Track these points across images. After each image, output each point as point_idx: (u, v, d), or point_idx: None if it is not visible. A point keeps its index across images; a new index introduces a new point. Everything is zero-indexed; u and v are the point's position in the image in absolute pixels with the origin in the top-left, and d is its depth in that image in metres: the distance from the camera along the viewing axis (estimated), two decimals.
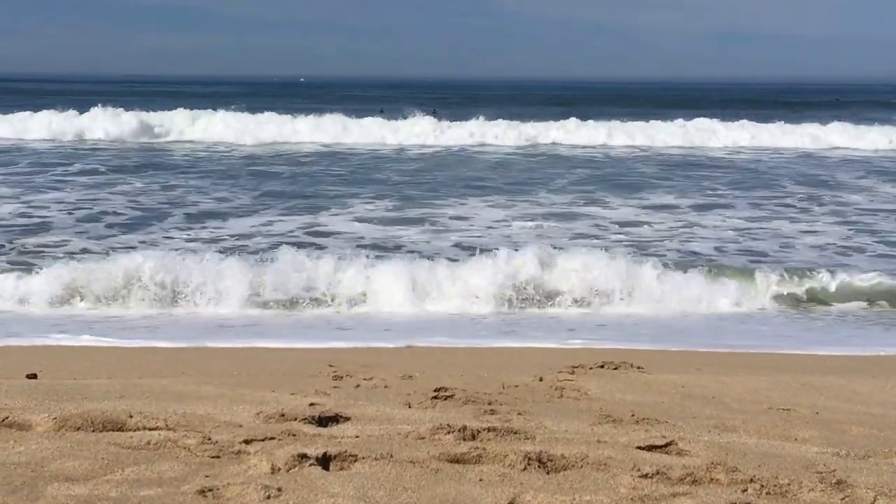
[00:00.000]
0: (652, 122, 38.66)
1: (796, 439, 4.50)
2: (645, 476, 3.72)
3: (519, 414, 4.77)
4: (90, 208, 16.80)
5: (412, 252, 13.25)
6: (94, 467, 3.62)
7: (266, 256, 11.13)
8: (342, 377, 6.00)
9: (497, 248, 11.35)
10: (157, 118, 35.94)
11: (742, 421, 4.84)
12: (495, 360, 7.60)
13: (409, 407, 4.92)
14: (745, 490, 3.67)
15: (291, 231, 14.92)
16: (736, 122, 39.37)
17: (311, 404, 4.76)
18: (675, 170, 26.56)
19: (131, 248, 13.09)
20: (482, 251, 11.49)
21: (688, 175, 25.11)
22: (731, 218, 17.07)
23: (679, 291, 10.77)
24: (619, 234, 15.15)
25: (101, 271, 10.28)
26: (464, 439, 4.18)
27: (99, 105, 37.03)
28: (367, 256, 11.21)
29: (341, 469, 3.75)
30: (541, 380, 5.95)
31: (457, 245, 13.87)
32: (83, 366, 7.00)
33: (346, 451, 3.86)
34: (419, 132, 35.91)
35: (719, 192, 21.16)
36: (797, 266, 12.13)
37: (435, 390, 5.33)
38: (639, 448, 4.13)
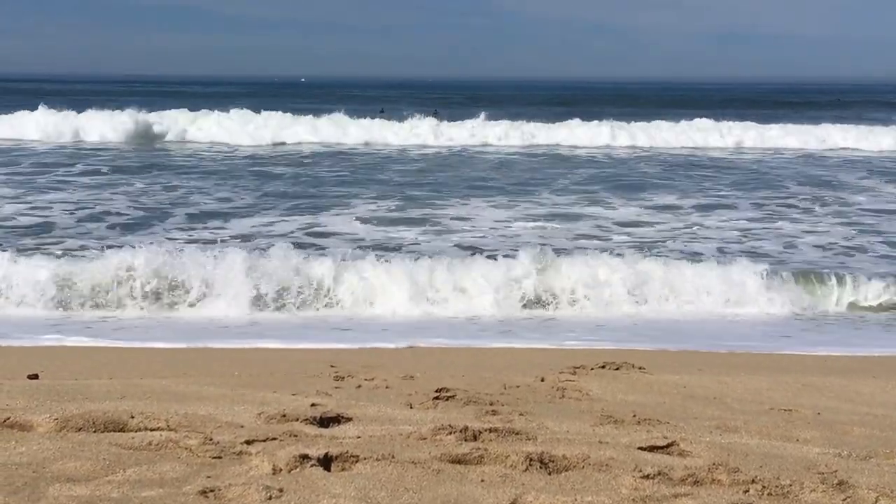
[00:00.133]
0: (653, 122, 38.65)
1: (798, 440, 4.50)
2: (646, 477, 3.71)
3: (520, 414, 4.77)
4: (92, 208, 16.80)
5: (413, 252, 13.25)
6: (95, 468, 3.62)
7: (263, 255, 11.08)
8: (343, 377, 6.00)
9: (517, 250, 11.37)
10: (158, 118, 35.92)
11: (744, 421, 4.84)
12: (497, 361, 7.60)
13: (411, 407, 4.92)
14: (746, 491, 3.66)
15: (292, 232, 14.91)
16: (737, 123, 39.36)
17: (313, 405, 4.76)
18: (676, 170, 26.56)
19: (133, 248, 13.10)
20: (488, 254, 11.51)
21: (689, 175, 25.12)
22: (733, 219, 17.07)
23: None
24: (623, 234, 15.14)
25: (97, 270, 10.27)
26: (465, 440, 4.17)
27: (100, 105, 37.06)
28: (377, 258, 11.17)
29: (343, 470, 3.75)
30: (542, 380, 5.95)
31: (458, 246, 13.86)
32: (84, 366, 7.00)
33: (347, 452, 3.85)
34: (420, 132, 35.90)
35: (721, 192, 21.16)
36: (801, 267, 12.14)
37: (436, 391, 5.33)
38: (640, 449, 4.13)
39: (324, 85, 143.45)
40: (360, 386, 5.66)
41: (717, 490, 3.67)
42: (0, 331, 8.89)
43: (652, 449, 4.15)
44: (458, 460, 3.86)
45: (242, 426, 4.28)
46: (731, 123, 39.08)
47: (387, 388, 5.61)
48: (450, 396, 5.23)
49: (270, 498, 3.38)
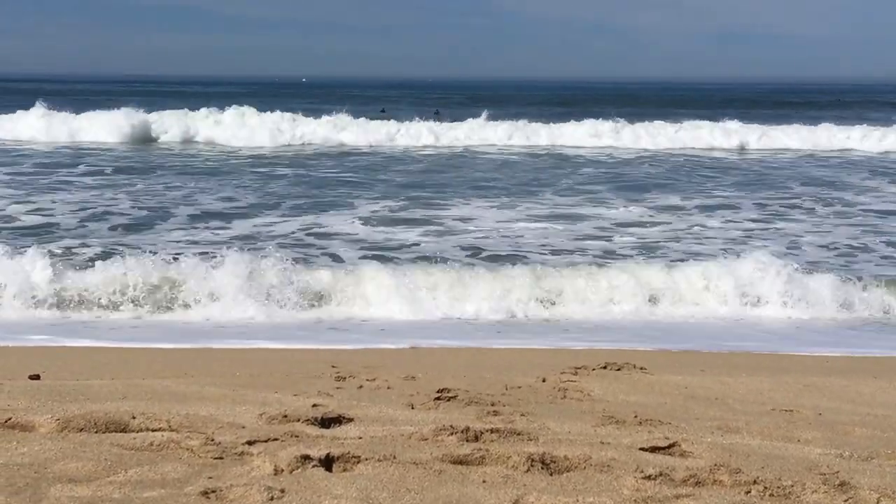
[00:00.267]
0: (654, 122, 38.63)
1: (799, 440, 4.50)
2: (648, 478, 3.71)
3: (522, 415, 4.77)
4: (94, 209, 16.81)
5: (415, 253, 13.26)
6: (97, 468, 3.62)
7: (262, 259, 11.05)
8: (345, 378, 5.99)
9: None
10: (160, 119, 35.91)
11: (745, 422, 4.84)
12: (498, 361, 7.60)
13: (412, 408, 4.92)
14: (748, 492, 3.66)
15: (293, 232, 14.92)
16: (738, 123, 39.31)
17: (314, 405, 4.76)
18: (678, 170, 26.56)
19: (135, 248, 13.11)
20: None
21: (691, 176, 25.12)
22: (737, 219, 17.06)
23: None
24: (626, 235, 15.13)
25: (96, 282, 10.28)
26: (467, 440, 4.17)
27: (100, 105, 37.05)
28: (390, 263, 11.15)
29: (344, 470, 3.75)
30: (544, 381, 5.95)
31: (459, 247, 13.86)
32: (86, 366, 7.00)
33: (349, 453, 3.85)
34: (422, 132, 35.89)
35: (724, 193, 21.15)
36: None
37: (438, 391, 5.33)
38: (642, 449, 4.13)
39: (324, 85, 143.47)
40: (361, 386, 5.66)
41: (719, 491, 3.66)
42: (0, 331, 8.90)
43: (653, 450, 4.15)
44: (459, 461, 3.86)
45: (244, 427, 4.28)
46: (732, 124, 39.03)
47: (388, 388, 5.61)
48: (451, 397, 5.23)
49: (272, 499, 3.38)
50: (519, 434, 4.30)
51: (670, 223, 16.34)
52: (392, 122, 36.76)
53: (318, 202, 18.36)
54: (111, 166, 24.68)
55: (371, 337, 9.07)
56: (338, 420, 4.50)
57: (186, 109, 38.22)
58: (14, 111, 35.67)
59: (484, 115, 38.23)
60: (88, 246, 13.23)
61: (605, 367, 6.72)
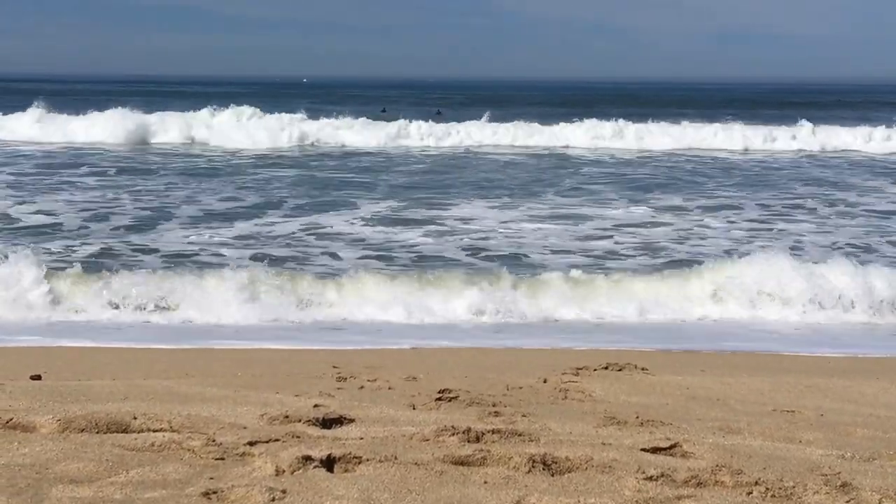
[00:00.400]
0: (655, 123, 38.62)
1: (801, 441, 4.49)
2: (650, 478, 3.71)
3: (523, 416, 4.77)
4: (97, 209, 16.83)
5: (416, 253, 13.26)
6: (98, 469, 3.62)
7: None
8: (346, 378, 5.99)
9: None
10: (161, 119, 35.91)
11: (747, 423, 4.83)
12: (499, 362, 7.60)
13: (414, 408, 4.92)
14: (750, 493, 3.66)
15: (293, 232, 14.92)
16: (739, 123, 39.30)
17: (316, 406, 4.76)
18: (680, 171, 26.56)
19: (137, 248, 13.13)
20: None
21: (694, 176, 25.12)
22: (740, 220, 17.05)
23: None
24: (629, 236, 15.11)
25: (95, 281, 10.28)
26: (468, 441, 4.17)
27: (101, 106, 37.06)
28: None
29: (346, 471, 3.75)
30: (545, 381, 5.94)
31: (461, 248, 13.86)
32: (87, 367, 7.00)
33: (350, 453, 3.85)
34: (424, 133, 35.89)
35: (726, 193, 21.14)
36: None
37: (439, 392, 5.32)
38: (643, 450, 4.12)
39: (325, 85, 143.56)
40: (362, 387, 5.66)
41: (721, 492, 3.66)
42: (1, 332, 8.91)
43: (655, 450, 4.14)
44: (461, 462, 3.86)
45: (245, 427, 4.28)
46: (733, 124, 39.03)
47: (389, 389, 5.61)
48: (452, 397, 5.23)
49: (273, 499, 3.38)
50: (520, 435, 4.29)
51: (672, 224, 16.33)
52: (393, 122, 36.74)
53: (320, 202, 18.37)
54: (114, 167, 24.70)
55: (372, 337, 9.06)
56: (339, 421, 4.50)
57: (190, 111, 38.17)
58: (14, 111, 35.70)
59: (486, 115, 38.25)
60: (91, 245, 13.26)
61: (606, 368, 6.71)
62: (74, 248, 13.01)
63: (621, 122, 37.64)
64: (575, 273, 11.06)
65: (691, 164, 28.68)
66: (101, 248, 13.10)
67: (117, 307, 9.99)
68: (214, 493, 3.42)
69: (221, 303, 10.05)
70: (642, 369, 6.71)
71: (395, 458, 3.83)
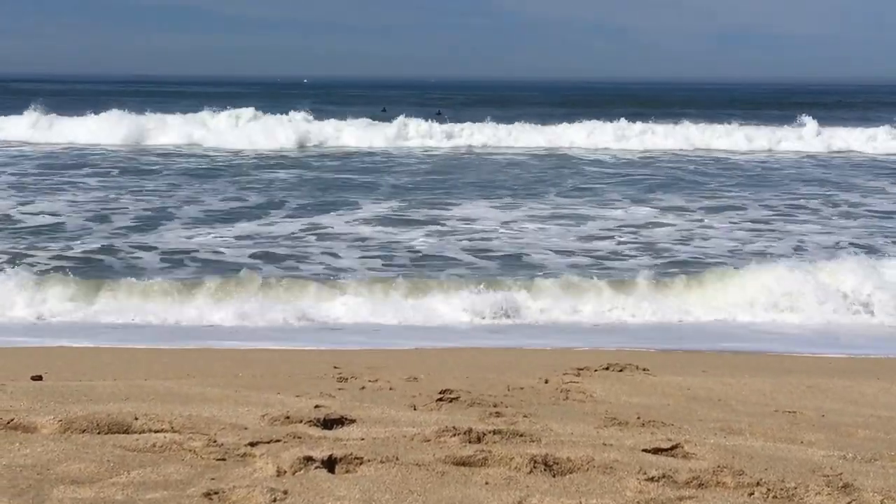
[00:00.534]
0: (656, 123, 38.60)
1: (802, 442, 4.49)
2: (651, 479, 3.71)
3: (524, 416, 4.76)
4: (99, 210, 16.84)
5: (418, 253, 13.26)
6: (99, 470, 3.62)
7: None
8: (347, 379, 5.99)
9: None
10: (162, 120, 35.89)
11: (748, 424, 4.83)
12: (500, 362, 7.59)
13: (415, 409, 4.91)
14: (751, 493, 3.65)
15: (294, 232, 14.92)
16: (740, 124, 39.27)
17: (317, 406, 4.75)
18: (682, 171, 26.55)
19: (138, 247, 13.14)
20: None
21: (695, 177, 25.10)
22: (742, 220, 17.04)
23: None
24: (632, 236, 15.10)
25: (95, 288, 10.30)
26: (469, 442, 4.17)
27: (102, 106, 37.07)
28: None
29: (347, 472, 3.75)
30: (546, 382, 5.94)
31: (463, 249, 13.85)
32: (88, 367, 7.00)
33: (351, 454, 3.85)
34: (425, 133, 35.87)
35: (728, 193, 21.13)
36: None
37: (440, 392, 5.32)
38: (645, 451, 4.12)
39: (325, 85, 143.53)
40: (363, 387, 5.66)
41: (722, 493, 3.66)
42: (1, 332, 8.91)
43: (656, 451, 4.14)
44: (462, 462, 3.86)
45: (246, 428, 4.27)
46: (734, 125, 39.00)
47: (390, 389, 5.60)
48: (453, 398, 5.22)
49: (275, 500, 3.38)
50: (521, 435, 4.29)
51: (675, 224, 16.32)
52: (395, 122, 36.71)
53: (321, 203, 18.36)
54: (115, 167, 24.70)
55: (372, 338, 9.06)
56: (340, 421, 4.49)
57: (190, 112, 38.17)
58: (14, 112, 35.70)
59: (487, 116, 38.26)
60: (93, 244, 13.26)
61: (607, 369, 6.71)
62: (76, 248, 13.02)
63: (623, 122, 37.61)
64: (574, 279, 11.05)
65: (693, 165, 28.67)
66: (103, 246, 13.11)
67: (117, 307, 10.00)
68: (216, 493, 3.42)
69: (221, 303, 10.06)
70: (643, 370, 6.71)
71: (397, 458, 3.83)
